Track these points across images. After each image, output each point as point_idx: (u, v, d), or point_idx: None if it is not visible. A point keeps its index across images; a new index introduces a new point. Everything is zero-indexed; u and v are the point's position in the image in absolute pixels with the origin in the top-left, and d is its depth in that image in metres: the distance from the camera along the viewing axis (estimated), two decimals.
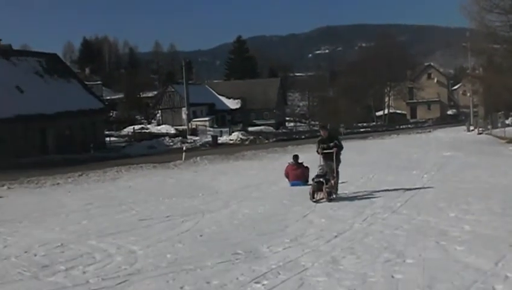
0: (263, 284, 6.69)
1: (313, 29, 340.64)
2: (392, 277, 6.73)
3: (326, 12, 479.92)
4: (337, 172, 14.36)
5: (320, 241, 8.99)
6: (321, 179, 13.59)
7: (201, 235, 9.94)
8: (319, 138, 14.92)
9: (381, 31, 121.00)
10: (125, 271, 7.63)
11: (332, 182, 13.89)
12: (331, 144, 14.26)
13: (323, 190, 13.44)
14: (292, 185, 17.03)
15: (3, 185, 21.49)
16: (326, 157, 14.31)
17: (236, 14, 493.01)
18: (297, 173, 17.39)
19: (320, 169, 13.92)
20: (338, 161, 14.44)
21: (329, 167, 14.14)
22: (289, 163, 17.89)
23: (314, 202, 13.21)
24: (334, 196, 13.80)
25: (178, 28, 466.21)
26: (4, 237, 10.69)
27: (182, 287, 6.75)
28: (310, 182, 14.60)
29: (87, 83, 66.29)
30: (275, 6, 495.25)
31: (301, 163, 17.72)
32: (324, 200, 13.31)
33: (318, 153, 14.53)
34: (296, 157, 17.94)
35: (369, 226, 9.98)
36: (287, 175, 17.57)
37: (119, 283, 7.04)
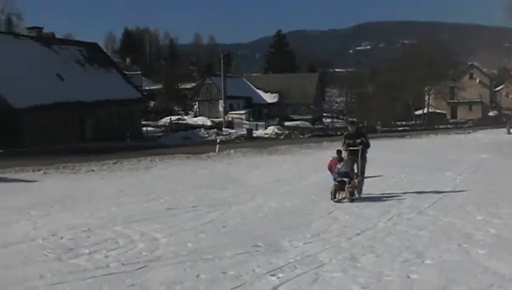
0: (278, 277, 6.77)
1: (354, 24, 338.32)
2: (408, 276, 6.74)
3: (368, 8, 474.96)
4: (363, 171, 13.93)
5: (341, 238, 9.02)
6: (344, 178, 13.11)
7: (224, 227, 10.06)
8: (346, 132, 14.55)
9: (423, 29, 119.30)
10: (145, 257, 7.81)
11: (356, 181, 13.43)
12: (358, 140, 13.81)
13: (346, 189, 13.01)
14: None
15: (39, 170, 21.94)
16: (352, 153, 13.88)
17: (278, 8, 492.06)
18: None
19: (342, 166, 13.45)
20: (364, 160, 13.99)
21: (354, 165, 13.76)
22: (333, 157, 18.05)
23: (336, 201, 12.83)
24: (356, 196, 13.33)
25: (219, 20, 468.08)
26: (35, 219, 10.97)
27: (198, 276, 6.88)
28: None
29: (127, 73, 67.17)
30: (317, 1, 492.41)
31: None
32: (346, 200, 12.90)
33: (343, 149, 14.14)
34: (339, 152, 18.06)
35: (393, 226, 9.96)
36: (330, 169, 17.69)
37: (138, 269, 7.22)
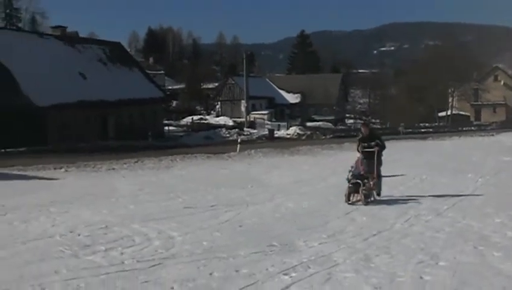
0: (291, 276, 6.79)
1: (378, 25, 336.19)
2: (421, 278, 6.73)
3: (393, 8, 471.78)
4: (379, 174, 13.61)
5: (357, 238, 9.01)
6: (358, 180, 12.78)
7: (240, 226, 10.10)
8: (360, 136, 14.30)
9: (447, 30, 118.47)
10: (160, 255, 7.89)
11: (372, 183, 13.09)
12: (373, 143, 13.59)
13: (360, 192, 12.73)
14: None
15: (61, 168, 22.20)
16: (367, 156, 13.60)
17: (302, 8, 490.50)
18: None
19: (350, 171, 13.10)
20: (379, 162, 13.68)
21: (370, 167, 13.39)
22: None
23: (350, 204, 12.57)
24: (371, 198, 13.10)
25: (242, 20, 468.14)
26: (54, 216, 11.12)
27: (211, 274, 6.93)
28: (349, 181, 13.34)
29: (150, 72, 67.52)
30: (341, 1, 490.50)
31: None
32: (360, 203, 12.63)
33: (358, 152, 13.89)
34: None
35: (410, 227, 9.92)
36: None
37: (152, 266, 7.30)
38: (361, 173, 13.04)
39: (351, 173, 13.03)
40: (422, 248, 8.29)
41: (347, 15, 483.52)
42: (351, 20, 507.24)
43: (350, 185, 12.87)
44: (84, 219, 10.79)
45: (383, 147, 13.75)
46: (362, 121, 17.26)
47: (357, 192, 12.79)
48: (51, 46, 44.41)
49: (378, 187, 13.50)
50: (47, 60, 41.11)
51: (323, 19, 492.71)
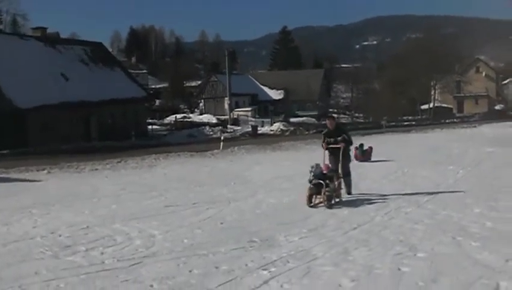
0: (270, 271, 6.85)
1: (361, 19, 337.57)
2: (399, 269, 6.81)
3: (375, 2, 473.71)
4: (348, 172, 12.95)
5: (337, 232, 9.08)
6: (320, 181, 11.63)
7: (221, 223, 10.14)
8: (325, 130, 13.41)
9: (429, 23, 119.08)
10: (140, 254, 7.93)
11: (336, 183, 12.07)
12: (339, 138, 12.76)
13: (323, 193, 11.55)
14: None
15: (43, 170, 22.09)
16: (333, 152, 12.82)
17: (284, 4, 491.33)
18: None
19: (311, 171, 11.89)
20: (347, 159, 13.01)
21: (335, 164, 12.64)
22: (356, 148, 21.53)
23: (311, 207, 11.53)
24: (337, 200, 11.97)
25: (224, 17, 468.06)
26: (35, 218, 11.11)
27: (190, 271, 6.98)
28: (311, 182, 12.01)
29: (132, 71, 67.39)
30: None
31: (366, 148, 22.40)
32: (322, 205, 11.52)
33: (323, 148, 13.00)
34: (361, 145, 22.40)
35: (389, 220, 10.01)
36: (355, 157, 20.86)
37: (132, 265, 7.34)
38: (324, 172, 11.97)
39: (312, 174, 11.86)
40: (401, 240, 8.37)
41: (329, 10, 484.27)
42: (333, 15, 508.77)
43: (311, 186, 11.73)
44: (66, 220, 10.78)
45: (349, 143, 13.08)
46: (328, 114, 15.94)
47: (320, 193, 11.66)
48: (32, 47, 44.09)
49: (348, 186, 13.01)
50: (28, 62, 40.86)
51: (306, 14, 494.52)
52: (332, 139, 12.84)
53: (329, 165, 12.54)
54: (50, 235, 9.38)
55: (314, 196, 11.71)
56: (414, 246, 7.93)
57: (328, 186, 11.58)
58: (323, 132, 13.47)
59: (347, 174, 12.92)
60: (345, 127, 13.76)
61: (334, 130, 12.98)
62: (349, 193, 12.97)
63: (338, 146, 12.70)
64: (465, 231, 8.84)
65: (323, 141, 13.01)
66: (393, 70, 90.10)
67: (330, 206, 11.40)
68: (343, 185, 12.75)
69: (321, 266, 7.05)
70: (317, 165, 12.07)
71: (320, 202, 11.62)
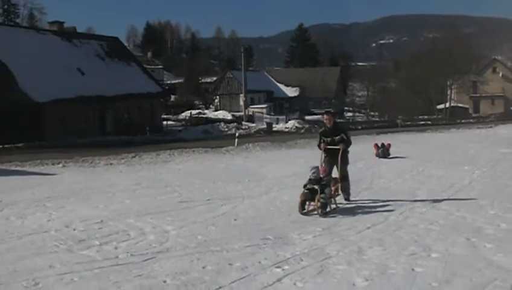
0: (283, 269, 6.85)
1: (377, 18, 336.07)
2: (413, 269, 6.79)
3: (391, 1, 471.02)
4: (345, 176, 11.76)
5: (351, 231, 9.04)
6: (315, 186, 10.58)
7: (235, 220, 10.13)
8: (321, 129, 12.21)
9: (446, 22, 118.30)
10: (154, 249, 7.94)
11: (333, 189, 11.01)
12: (337, 137, 11.56)
13: (316, 200, 10.43)
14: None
15: (59, 163, 22.21)
16: (330, 154, 11.63)
17: (300, 1, 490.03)
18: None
19: (313, 172, 10.90)
20: (345, 162, 11.79)
21: (332, 168, 11.63)
22: (376, 144, 23.41)
23: (304, 214, 10.49)
24: (332, 207, 10.91)
25: (240, 14, 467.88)
26: (50, 211, 11.16)
27: (204, 267, 6.99)
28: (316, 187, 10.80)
29: (148, 67, 67.59)
30: None
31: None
32: (315, 213, 10.47)
33: (320, 149, 11.89)
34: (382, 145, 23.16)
35: (404, 220, 9.96)
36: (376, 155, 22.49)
37: (146, 260, 7.36)
38: (321, 175, 10.95)
39: (309, 177, 10.92)
40: (415, 240, 8.34)
41: (346, 8, 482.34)
42: (349, 13, 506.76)
43: (305, 191, 10.66)
44: (80, 213, 10.83)
45: (348, 143, 11.76)
46: (327, 110, 13.72)
47: (314, 200, 10.54)
48: (49, 41, 44.43)
49: (346, 191, 11.86)
50: (45, 56, 41.16)
51: (322, 12, 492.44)
52: (329, 139, 11.64)
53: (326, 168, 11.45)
54: (64, 229, 9.43)
55: (307, 203, 10.67)
56: (428, 246, 7.89)
57: (323, 193, 10.47)
58: (320, 131, 12.21)
59: (345, 179, 11.73)
60: (344, 125, 11.69)
61: (332, 129, 11.70)
62: (347, 199, 11.88)
63: (337, 147, 11.52)
64: (479, 232, 8.78)
65: (320, 142, 11.84)
66: (409, 70, 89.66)
67: (324, 215, 10.31)
68: (340, 191, 11.70)
69: (335, 264, 7.03)
70: (318, 168, 11.15)
71: (313, 210, 10.58)
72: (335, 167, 11.73)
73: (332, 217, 10.30)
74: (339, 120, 64.19)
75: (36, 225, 9.80)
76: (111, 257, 7.51)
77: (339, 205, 11.22)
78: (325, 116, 11.93)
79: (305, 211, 10.57)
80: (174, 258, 7.45)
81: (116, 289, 6.20)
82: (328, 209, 10.58)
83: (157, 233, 8.95)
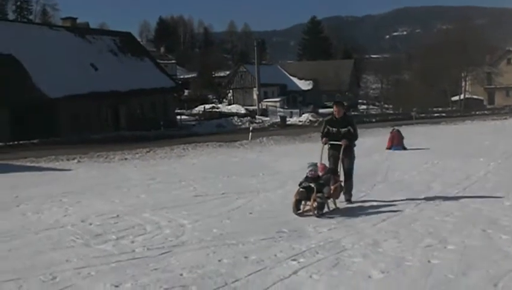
0: (299, 262, 6.85)
1: (390, 10, 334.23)
2: (429, 261, 6.77)
3: None
4: (350, 174, 10.77)
5: (367, 224, 9.03)
6: (311, 184, 9.73)
7: (250, 213, 10.15)
8: (328, 117, 11.29)
9: (460, 14, 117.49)
10: (170, 243, 7.98)
11: (332, 187, 10.00)
12: (343, 129, 10.56)
13: (312, 199, 9.61)
14: (394, 149, 22.28)
15: (73, 159, 22.38)
16: (335, 148, 10.64)
17: None
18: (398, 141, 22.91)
19: (310, 169, 10.01)
20: (351, 157, 10.76)
21: (335, 164, 10.65)
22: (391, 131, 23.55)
23: (298, 215, 9.71)
24: (331, 207, 10.02)
25: (253, 7, 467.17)
26: (66, 207, 11.25)
27: (220, 260, 7.01)
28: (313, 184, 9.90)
29: (161, 62, 67.68)
30: None
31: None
32: (311, 213, 9.64)
33: (322, 142, 10.81)
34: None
35: (419, 212, 9.93)
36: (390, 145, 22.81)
37: (162, 253, 7.39)
38: (319, 173, 10.08)
39: (306, 173, 10.08)
40: (430, 232, 8.31)
41: (358, 0, 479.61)
42: (362, 5, 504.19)
43: (301, 190, 9.82)
44: (96, 208, 10.90)
45: (354, 137, 10.76)
46: (337, 100, 13.16)
47: (310, 199, 9.71)
48: (62, 37, 44.71)
49: (348, 191, 10.87)
50: (58, 52, 41.40)
51: (335, 5, 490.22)
52: (335, 130, 10.62)
53: (327, 164, 10.61)
54: (81, 223, 9.50)
55: (303, 202, 9.86)
56: (444, 238, 7.87)
57: (320, 192, 9.67)
58: (326, 119, 11.29)
59: (349, 177, 10.80)
60: (352, 118, 11.43)
61: (340, 120, 10.68)
62: (348, 200, 10.88)
63: (340, 142, 10.52)
64: (495, 224, 8.74)
65: (323, 131, 10.84)
66: (423, 61, 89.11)
67: (320, 216, 9.52)
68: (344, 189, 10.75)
69: (350, 257, 7.03)
70: (316, 165, 10.25)
71: (308, 210, 9.75)
72: (344, 162, 10.72)
73: (348, 210, 10.27)
74: (352, 113, 63.97)
75: (52, 220, 9.88)
76: (127, 251, 7.55)
77: (338, 206, 10.33)
78: (334, 106, 10.92)
79: (300, 211, 9.77)
80: (190, 251, 7.48)
81: (133, 282, 6.24)
82: (325, 210, 9.79)
83: (173, 227, 8.99)
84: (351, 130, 10.58)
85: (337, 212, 10.05)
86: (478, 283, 6.04)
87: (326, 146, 10.83)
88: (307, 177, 9.97)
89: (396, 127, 24.88)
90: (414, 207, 10.38)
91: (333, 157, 10.68)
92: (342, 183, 10.65)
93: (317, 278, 6.31)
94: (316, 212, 9.56)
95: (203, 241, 8.05)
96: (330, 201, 10.09)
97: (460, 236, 7.97)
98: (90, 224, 9.41)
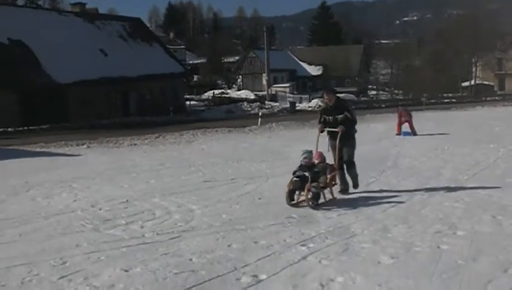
0: (308, 247, 6.85)
1: None
2: (438, 247, 6.75)
3: None
4: (351, 161, 10.24)
5: (376, 209, 9.01)
6: (305, 173, 9.28)
7: (260, 199, 10.13)
8: (322, 106, 10.99)
9: None
10: (180, 228, 8.00)
11: (329, 177, 9.53)
12: (340, 116, 10.05)
13: (306, 189, 9.13)
14: (404, 135, 22.38)
15: (83, 144, 22.47)
16: (333, 136, 10.14)
17: None
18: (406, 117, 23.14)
19: (304, 157, 9.62)
20: (351, 145, 10.23)
21: (332, 151, 10.27)
22: (398, 109, 24.24)
23: (292, 205, 9.25)
24: (323, 199, 9.43)
25: None
26: (76, 192, 11.31)
27: (229, 245, 7.03)
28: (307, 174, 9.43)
29: (171, 47, 67.56)
30: None
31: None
32: (305, 204, 9.22)
33: (318, 130, 10.42)
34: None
35: (429, 198, 9.88)
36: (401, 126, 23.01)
37: (172, 238, 7.42)
38: (315, 161, 9.71)
39: (300, 161, 9.71)
40: (440, 218, 8.28)
41: None
42: None
43: (295, 179, 9.32)
44: (106, 193, 10.95)
45: (353, 122, 10.18)
46: (328, 88, 11.80)
47: (303, 189, 9.24)
48: (71, 23, 44.72)
49: (354, 177, 10.42)
50: (67, 38, 41.39)
51: None
52: (331, 118, 10.14)
53: (323, 151, 10.17)
54: (90, 208, 9.54)
55: (297, 192, 9.42)
56: (454, 224, 7.84)
57: (314, 181, 9.21)
58: (320, 109, 10.88)
59: (351, 165, 10.29)
60: (347, 103, 10.90)
61: (334, 107, 10.16)
62: (355, 186, 10.47)
63: (336, 129, 9.96)
64: (505, 210, 8.69)
65: (320, 121, 10.40)
66: (434, 47, 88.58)
67: (315, 207, 9.08)
68: (338, 180, 10.30)
69: (360, 242, 7.02)
70: (311, 152, 9.84)
71: (303, 200, 9.33)
72: (344, 150, 10.16)
73: (356, 196, 10.24)
74: (362, 98, 63.50)
75: (62, 205, 9.94)
76: (137, 236, 7.58)
77: (336, 197, 9.91)
78: (325, 94, 10.43)
79: (294, 202, 9.33)
80: (199, 236, 7.50)
81: (143, 267, 6.26)
82: (320, 200, 9.32)
83: (183, 212, 9.01)
84: (348, 115, 10.03)
85: (347, 198, 10.03)
86: (488, 268, 6.01)
87: (326, 135, 10.43)
88: (301, 165, 9.55)
89: (402, 107, 25.33)
90: (424, 193, 10.34)
91: (333, 147, 10.22)
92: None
93: (327, 263, 6.31)
94: (310, 203, 9.13)
95: (212, 226, 8.07)
96: (327, 191, 9.64)
97: (470, 222, 7.93)
98: (100, 209, 9.45)
